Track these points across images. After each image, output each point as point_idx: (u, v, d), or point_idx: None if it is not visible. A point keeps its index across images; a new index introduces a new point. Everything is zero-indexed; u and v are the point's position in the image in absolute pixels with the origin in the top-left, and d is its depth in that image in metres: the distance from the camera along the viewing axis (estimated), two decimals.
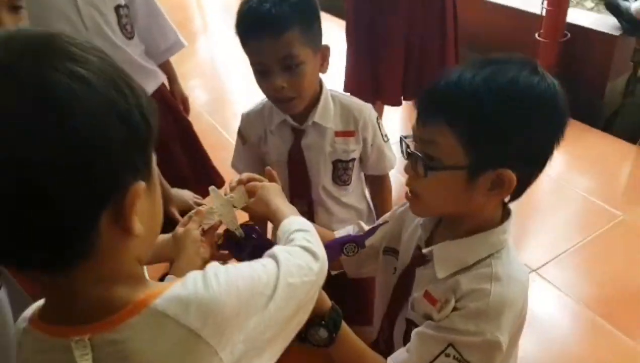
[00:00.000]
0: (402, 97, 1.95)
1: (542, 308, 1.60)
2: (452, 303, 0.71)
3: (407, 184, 0.76)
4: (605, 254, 1.76)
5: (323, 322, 0.72)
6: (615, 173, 2.20)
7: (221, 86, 3.23)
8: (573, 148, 2.33)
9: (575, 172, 2.25)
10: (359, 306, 1.14)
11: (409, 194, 0.76)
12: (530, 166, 0.71)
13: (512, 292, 0.71)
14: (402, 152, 0.78)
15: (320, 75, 1.16)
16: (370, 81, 1.90)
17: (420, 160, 0.70)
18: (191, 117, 1.63)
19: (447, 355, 0.69)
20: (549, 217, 1.97)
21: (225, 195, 0.85)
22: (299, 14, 1.03)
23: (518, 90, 0.65)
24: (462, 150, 0.67)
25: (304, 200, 1.27)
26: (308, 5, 1.07)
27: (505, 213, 0.77)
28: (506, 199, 0.77)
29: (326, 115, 1.18)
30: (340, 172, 1.24)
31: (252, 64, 1.09)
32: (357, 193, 1.32)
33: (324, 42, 1.12)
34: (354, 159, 1.24)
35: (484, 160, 0.68)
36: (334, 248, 0.90)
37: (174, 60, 1.55)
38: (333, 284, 0.80)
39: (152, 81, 1.43)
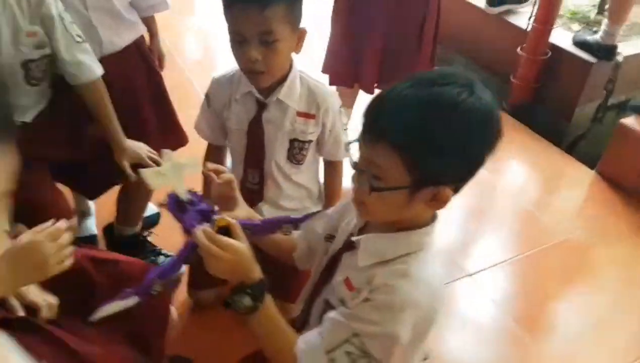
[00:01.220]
0: (375, 85, 2.02)
1: (471, 311, 1.72)
2: (365, 294, 0.79)
3: (354, 192, 0.81)
4: (540, 272, 1.88)
5: (249, 290, 0.78)
6: (568, 194, 2.33)
7: (213, 52, 3.24)
8: (532, 163, 2.46)
9: (529, 186, 2.37)
10: (284, 282, 1.20)
11: (356, 202, 0.82)
12: (465, 180, 0.78)
13: (419, 293, 0.78)
14: (349, 160, 0.83)
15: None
16: (350, 64, 1.97)
17: (366, 179, 0.76)
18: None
19: (352, 344, 0.76)
20: (495, 226, 2.09)
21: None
22: None
23: (458, 112, 0.71)
24: (404, 170, 0.73)
25: (256, 172, 1.34)
26: None
27: (433, 217, 0.84)
28: None
29: (291, 95, 1.24)
30: (296, 151, 1.31)
31: (231, 32, 1.14)
32: (309, 175, 1.39)
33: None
34: (310, 141, 1.31)
35: (424, 179, 0.74)
36: (273, 224, 0.98)
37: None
38: (262, 259, 0.87)
39: (129, 33, 1.47)
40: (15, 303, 0.91)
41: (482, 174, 0.78)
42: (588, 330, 1.70)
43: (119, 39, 1.45)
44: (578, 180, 2.40)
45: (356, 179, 0.80)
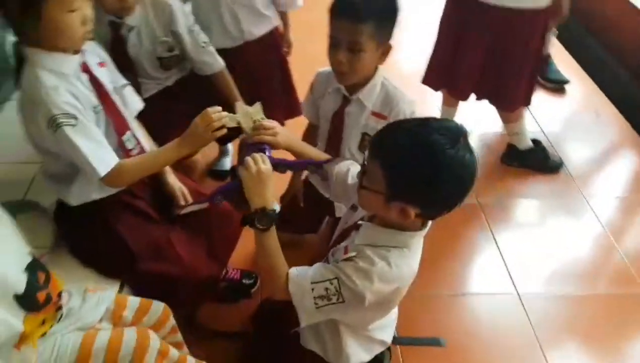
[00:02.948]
0: (471, 94, 2.22)
1: (502, 328, 1.86)
2: (351, 256, 1.10)
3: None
4: (599, 318, 1.88)
5: (271, 212, 1.11)
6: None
7: None
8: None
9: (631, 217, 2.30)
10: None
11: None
12: (432, 209, 1.04)
13: (390, 276, 1.07)
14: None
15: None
16: (444, 71, 2.19)
17: (359, 178, 1.08)
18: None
19: (332, 283, 1.07)
20: (568, 247, 2.12)
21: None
22: (378, 14, 1.38)
23: (435, 159, 0.96)
24: (384, 182, 1.01)
25: (334, 155, 1.68)
26: (390, 11, 1.43)
27: (423, 225, 1.11)
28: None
29: (369, 97, 1.54)
30: (366, 143, 1.62)
31: (329, 36, 1.46)
32: None
33: None
34: None
35: (395, 195, 1.01)
36: (301, 164, 1.38)
37: None
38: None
39: (265, 25, 1.97)
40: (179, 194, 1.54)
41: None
42: None
43: (257, 30, 1.93)
44: None
45: (358, 175, 1.11)
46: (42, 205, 1.52)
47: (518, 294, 1.92)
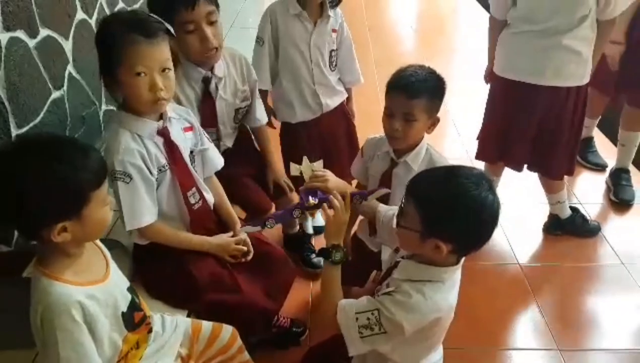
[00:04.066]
0: (525, 166, 2.38)
1: None
2: (390, 290, 1.24)
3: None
4: None
5: (344, 248, 1.32)
6: None
7: None
8: None
9: None
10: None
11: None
12: (463, 245, 1.20)
13: (425, 307, 1.20)
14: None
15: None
16: (497, 146, 2.37)
17: (397, 219, 1.27)
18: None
19: (372, 314, 1.21)
20: (622, 306, 2.16)
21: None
22: (429, 93, 1.64)
23: (464, 200, 1.13)
24: (419, 220, 1.17)
25: None
26: (438, 91, 1.67)
27: (456, 262, 1.27)
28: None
29: (415, 160, 1.75)
30: None
31: (386, 107, 1.70)
32: None
33: None
34: None
35: (430, 233, 1.16)
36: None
37: None
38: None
39: (338, 98, 2.37)
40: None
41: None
42: None
43: (332, 102, 2.33)
44: None
45: (397, 216, 1.30)
46: (123, 244, 1.73)
47: (559, 350, 2.00)
